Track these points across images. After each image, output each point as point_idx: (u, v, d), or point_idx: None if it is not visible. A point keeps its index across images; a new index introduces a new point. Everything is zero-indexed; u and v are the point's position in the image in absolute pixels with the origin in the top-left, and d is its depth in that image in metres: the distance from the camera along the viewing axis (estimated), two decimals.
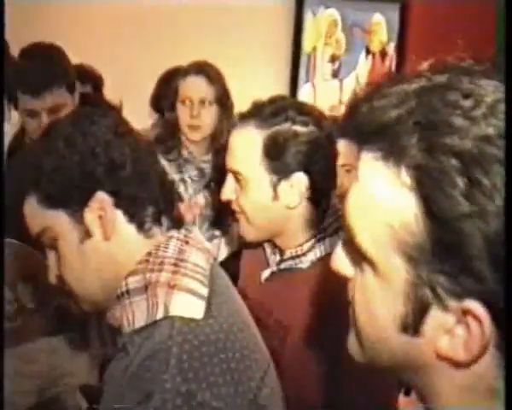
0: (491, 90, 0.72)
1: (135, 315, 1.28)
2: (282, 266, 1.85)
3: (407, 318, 0.76)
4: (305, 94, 4.34)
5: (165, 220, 1.37)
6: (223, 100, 2.88)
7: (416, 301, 0.74)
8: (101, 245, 1.31)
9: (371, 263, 0.78)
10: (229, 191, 1.83)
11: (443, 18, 4.21)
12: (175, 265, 1.31)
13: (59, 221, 1.31)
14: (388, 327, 0.78)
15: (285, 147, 1.73)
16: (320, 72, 4.37)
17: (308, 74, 4.36)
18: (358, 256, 0.80)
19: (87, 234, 1.31)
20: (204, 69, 2.88)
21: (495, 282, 0.69)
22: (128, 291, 1.30)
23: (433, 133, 0.71)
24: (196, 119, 2.85)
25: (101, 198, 1.29)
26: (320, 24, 4.32)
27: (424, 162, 0.71)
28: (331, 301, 1.68)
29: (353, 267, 0.83)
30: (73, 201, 1.30)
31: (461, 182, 0.69)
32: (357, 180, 0.79)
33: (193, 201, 2.88)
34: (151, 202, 1.34)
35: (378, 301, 0.78)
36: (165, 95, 3.64)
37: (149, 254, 1.32)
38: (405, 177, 0.73)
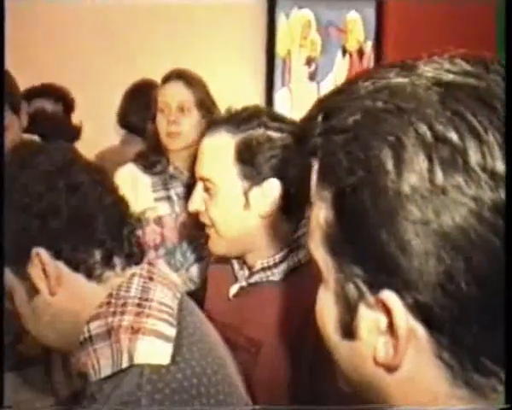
0: (395, 74, 0.70)
1: (100, 363, 1.21)
2: (252, 279, 1.75)
3: (341, 319, 0.74)
4: (281, 98, 4.17)
5: (117, 260, 1.28)
6: (204, 105, 2.71)
7: (344, 298, 0.73)
8: (50, 300, 1.25)
9: (318, 270, 0.76)
10: (197, 201, 1.75)
11: (421, 13, 4.06)
12: (138, 305, 1.23)
13: (7, 279, 1.26)
14: (332, 333, 0.76)
15: (258, 151, 1.67)
16: (296, 75, 4.20)
17: (284, 78, 4.18)
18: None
19: (34, 290, 1.25)
20: (182, 74, 2.74)
21: (409, 270, 0.65)
22: (91, 337, 1.22)
23: (329, 119, 0.72)
24: (174, 125, 2.68)
25: (38, 254, 1.21)
26: (294, 26, 4.15)
27: (319, 145, 0.72)
28: (305, 314, 1.58)
29: None
30: (14, 258, 1.24)
31: (343, 157, 0.69)
32: None
33: (179, 220, 2.71)
34: (97, 246, 1.25)
35: (324, 308, 0.77)
36: (134, 109, 3.50)
37: (110, 295, 1.25)
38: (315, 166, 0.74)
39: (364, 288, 0.70)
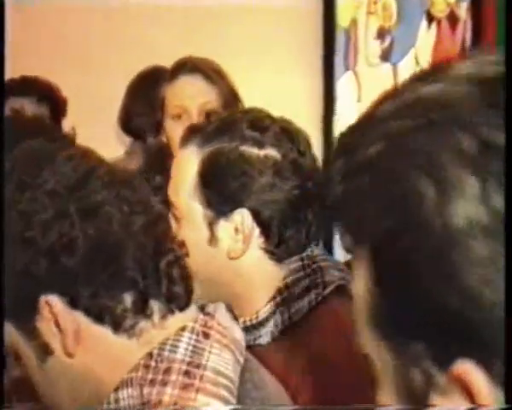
0: (425, 82, 0.58)
1: None
2: None
3: None
4: (345, 87, 3.19)
5: (154, 305, 1.01)
6: (231, 104, 2.19)
7: (410, 392, 0.57)
8: (67, 362, 1.01)
9: (369, 365, 0.62)
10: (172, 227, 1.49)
11: None
12: (186, 374, 0.97)
13: (10, 336, 1.03)
14: None
15: (226, 172, 1.38)
16: (364, 54, 3.16)
17: (348, 59, 3.18)
18: None
19: (46, 351, 1.01)
20: (198, 65, 2.21)
21: (484, 328, 0.51)
22: None
23: (349, 159, 0.58)
24: None
25: (48, 302, 0.98)
26: None
27: (339, 195, 0.58)
28: (298, 389, 1.34)
29: None
30: (16, 310, 1.01)
31: (371, 199, 0.56)
32: None
33: None
34: (126, 288, 0.99)
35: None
36: (140, 111, 3.00)
37: (150, 356, 0.98)
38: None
39: (432, 369, 0.55)
